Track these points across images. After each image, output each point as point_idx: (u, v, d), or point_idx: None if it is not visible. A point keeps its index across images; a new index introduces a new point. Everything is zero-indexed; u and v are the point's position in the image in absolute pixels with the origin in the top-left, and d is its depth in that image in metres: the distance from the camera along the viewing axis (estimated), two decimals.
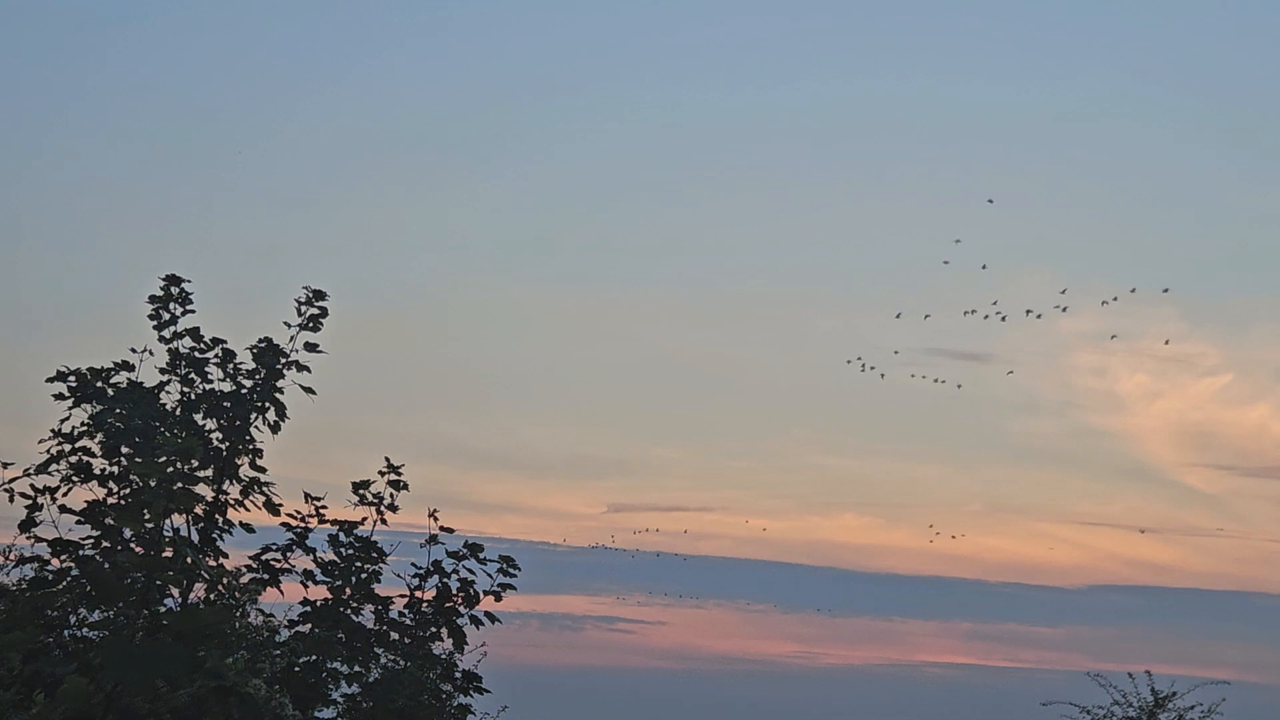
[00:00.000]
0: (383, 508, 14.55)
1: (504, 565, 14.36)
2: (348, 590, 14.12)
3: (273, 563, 14.34)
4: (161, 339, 14.78)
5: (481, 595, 14.37)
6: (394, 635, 14.23)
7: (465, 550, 14.36)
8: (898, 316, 53.54)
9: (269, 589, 14.49)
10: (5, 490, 13.96)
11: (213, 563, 13.73)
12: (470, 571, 14.37)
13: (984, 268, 45.02)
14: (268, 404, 14.62)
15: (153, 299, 14.80)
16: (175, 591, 12.83)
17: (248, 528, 14.41)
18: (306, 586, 14.26)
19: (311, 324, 14.84)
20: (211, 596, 13.33)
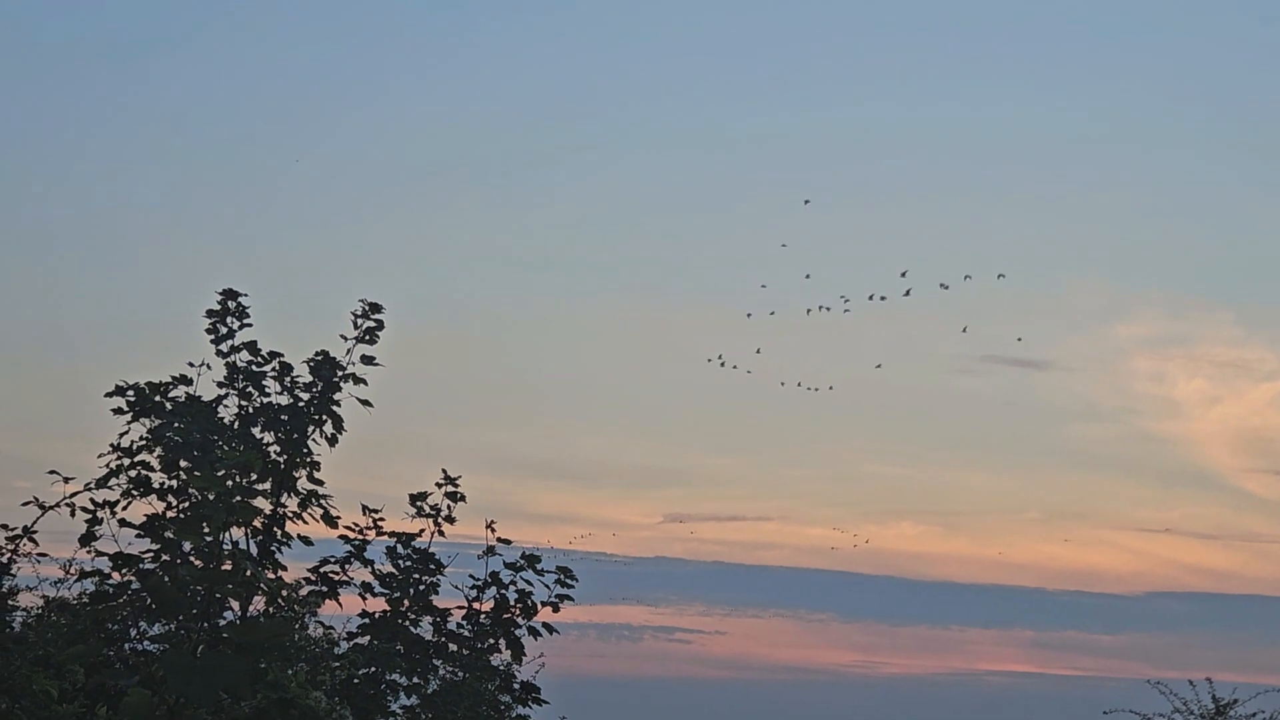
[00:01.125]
0: (440, 520, 14.59)
1: (561, 576, 14.38)
2: (406, 602, 14.16)
3: (331, 575, 14.40)
4: (219, 353, 14.85)
5: (539, 606, 14.39)
6: (452, 647, 14.26)
7: (522, 561, 14.38)
8: (964, 330, 53.27)
9: (328, 601, 14.55)
10: (66, 505, 14.05)
11: (272, 575, 13.78)
12: (528, 583, 14.39)
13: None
14: (325, 417, 14.68)
15: (210, 313, 14.87)
16: (235, 604, 12.96)
17: (306, 540, 14.47)
18: (365, 598, 14.31)
19: (368, 337, 14.89)
20: (271, 609, 13.38)
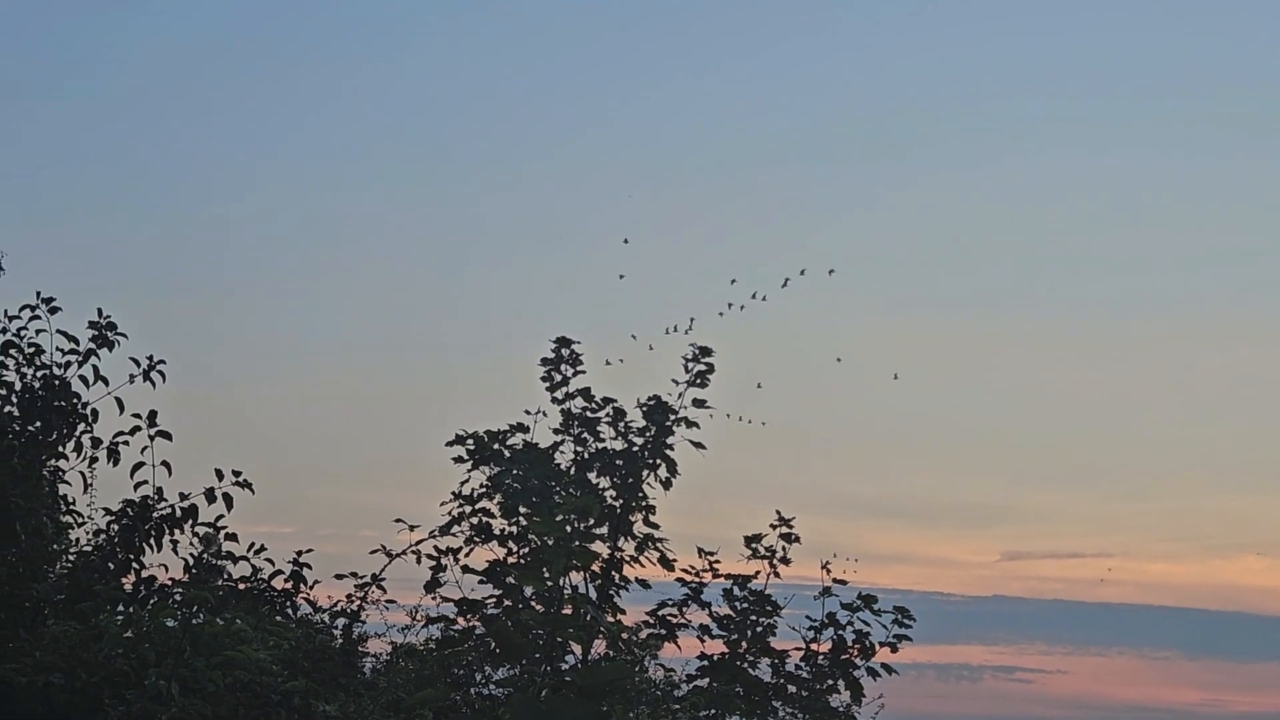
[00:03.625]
0: (775, 561, 14.57)
1: (899, 616, 14.23)
2: (744, 644, 14.17)
3: (669, 618, 14.49)
4: (554, 400, 15.11)
5: (877, 647, 14.26)
6: (791, 688, 14.22)
7: (859, 602, 14.27)
8: None
9: (666, 644, 14.65)
10: (412, 552, 14.43)
11: (611, 619, 13.95)
12: (865, 623, 14.27)
13: None
14: (659, 461, 14.82)
15: (544, 361, 15.15)
16: (577, 648, 13.14)
17: (644, 584, 14.61)
18: (703, 641, 14.36)
19: (699, 380, 15.01)
20: (612, 652, 13.53)
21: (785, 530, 14.62)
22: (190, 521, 12.80)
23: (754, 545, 14.57)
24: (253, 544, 12.99)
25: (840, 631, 14.25)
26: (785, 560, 14.58)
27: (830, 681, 14.24)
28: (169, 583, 12.82)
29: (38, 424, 12.66)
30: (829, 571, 14.39)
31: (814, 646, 14.30)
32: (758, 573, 14.52)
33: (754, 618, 14.26)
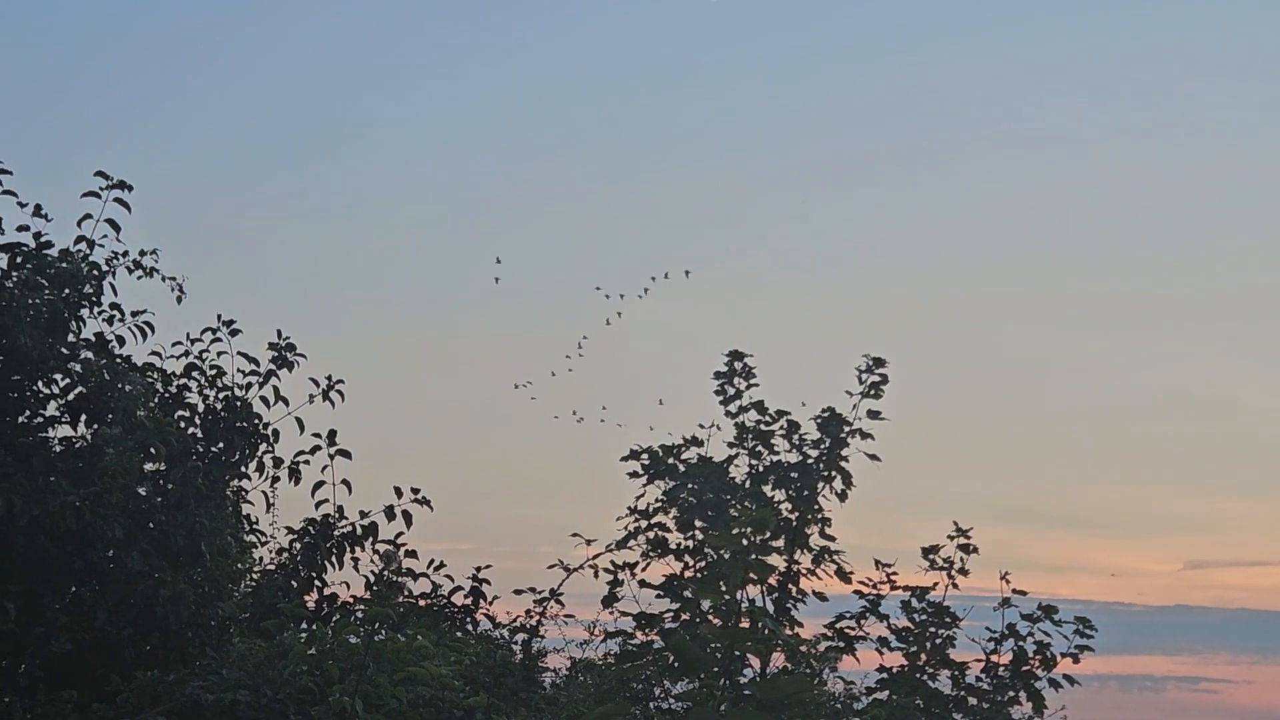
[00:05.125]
0: (953, 572, 14.46)
1: (1080, 626, 14.05)
2: (923, 656, 14.07)
3: (847, 630, 14.42)
4: (727, 414, 15.11)
5: (1058, 658, 14.09)
6: (971, 700, 14.09)
7: (1039, 612, 14.12)
8: None
9: (844, 656, 14.58)
10: (590, 567, 14.52)
11: (789, 632, 13.92)
12: (1045, 634, 14.11)
13: None
14: (834, 473, 14.78)
15: (717, 375, 15.16)
16: (755, 661, 13.12)
17: (821, 596, 14.57)
18: (881, 653, 14.28)
19: (873, 391, 14.95)
20: (790, 665, 13.50)
21: (963, 541, 14.50)
22: (371, 539, 12.99)
23: (931, 556, 14.47)
24: (432, 561, 13.17)
25: (1021, 642, 14.10)
26: (963, 571, 14.47)
27: (1011, 693, 14.08)
28: (351, 600, 13.03)
29: (221, 445, 12.92)
30: (1008, 582, 14.25)
31: (994, 658, 14.16)
32: (936, 584, 14.42)
33: (933, 629, 14.14)
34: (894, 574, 14.50)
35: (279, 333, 13.23)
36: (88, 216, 12.35)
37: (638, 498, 14.90)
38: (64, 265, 12.10)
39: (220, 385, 13.01)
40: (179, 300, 13.22)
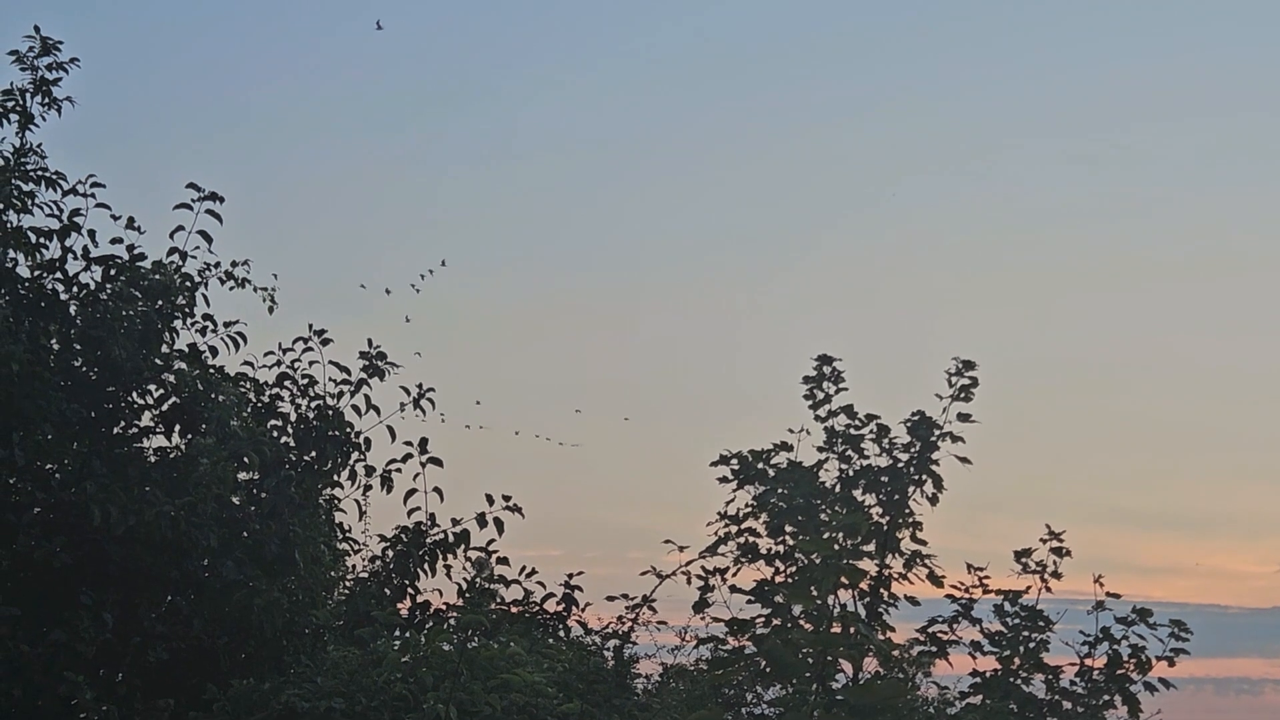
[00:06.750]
0: (1046, 575, 14.37)
1: (1175, 629, 13.93)
2: (1016, 660, 13.99)
3: (939, 634, 14.37)
4: (817, 418, 15.09)
5: (1153, 661, 13.97)
6: (1066, 704, 14.00)
7: (1134, 615, 14.01)
8: None
9: (938, 661, 14.53)
10: (682, 573, 14.51)
11: (881, 636, 13.87)
12: (1140, 637, 14.00)
13: None
14: (924, 476, 14.73)
15: (806, 379, 15.14)
16: (847, 666, 13.09)
17: (913, 601, 14.52)
18: (975, 657, 14.21)
19: (963, 394, 14.89)
20: (883, 670, 13.46)
21: (1055, 544, 14.41)
22: (463, 546, 13.04)
23: (1024, 560, 14.39)
24: (524, 567, 13.19)
25: (1115, 646, 14.00)
26: (1056, 574, 14.38)
27: (1106, 697, 13.98)
28: (443, 607, 13.07)
29: (313, 453, 13.02)
30: (1102, 585, 14.14)
31: (1088, 661, 14.07)
32: (1029, 588, 14.33)
33: (1026, 633, 14.06)
34: (986, 577, 14.44)
35: (369, 342, 13.31)
36: (180, 228, 12.50)
37: (728, 503, 14.90)
38: (157, 277, 12.24)
39: (312, 394, 13.11)
40: (271, 310, 13.35)
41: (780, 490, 14.66)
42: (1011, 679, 13.95)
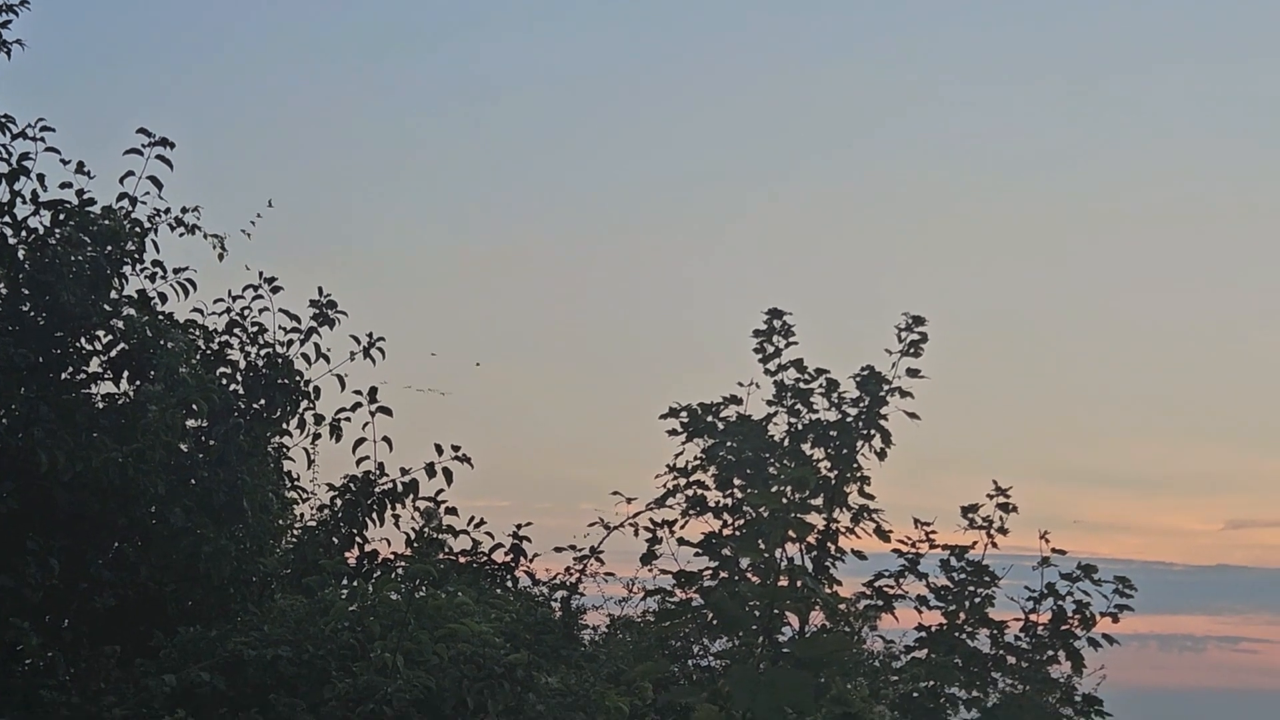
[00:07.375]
0: (992, 531, 14.44)
1: (1119, 586, 14.03)
2: (961, 615, 14.07)
3: (886, 589, 14.44)
4: (767, 371, 15.12)
5: (1098, 617, 14.07)
6: (1010, 659, 14.10)
7: (1079, 572, 14.10)
8: None
9: (883, 615, 14.60)
10: (629, 525, 14.56)
11: (828, 590, 13.94)
12: (1085, 593, 14.09)
13: None
14: (873, 431, 14.78)
15: (757, 333, 15.16)
16: (794, 619, 13.15)
17: (860, 555, 14.59)
18: (920, 612, 14.29)
19: (912, 350, 14.93)
20: (829, 624, 13.53)
21: (1002, 500, 14.48)
22: (411, 496, 13.03)
23: (970, 515, 14.46)
24: (472, 518, 13.20)
25: (1060, 602, 14.09)
26: (1003, 530, 14.45)
27: (1050, 652, 14.08)
28: (392, 556, 13.08)
29: (262, 401, 12.98)
30: (1048, 541, 14.23)
31: (1033, 617, 14.16)
32: (975, 543, 14.40)
33: (971, 588, 14.14)
34: (933, 533, 14.50)
35: (320, 290, 13.28)
36: (130, 174, 12.42)
37: (677, 455, 14.93)
38: (106, 222, 12.16)
39: (262, 342, 13.07)
40: (221, 257, 13.27)
41: (729, 443, 14.70)
42: (957, 634, 14.03)
